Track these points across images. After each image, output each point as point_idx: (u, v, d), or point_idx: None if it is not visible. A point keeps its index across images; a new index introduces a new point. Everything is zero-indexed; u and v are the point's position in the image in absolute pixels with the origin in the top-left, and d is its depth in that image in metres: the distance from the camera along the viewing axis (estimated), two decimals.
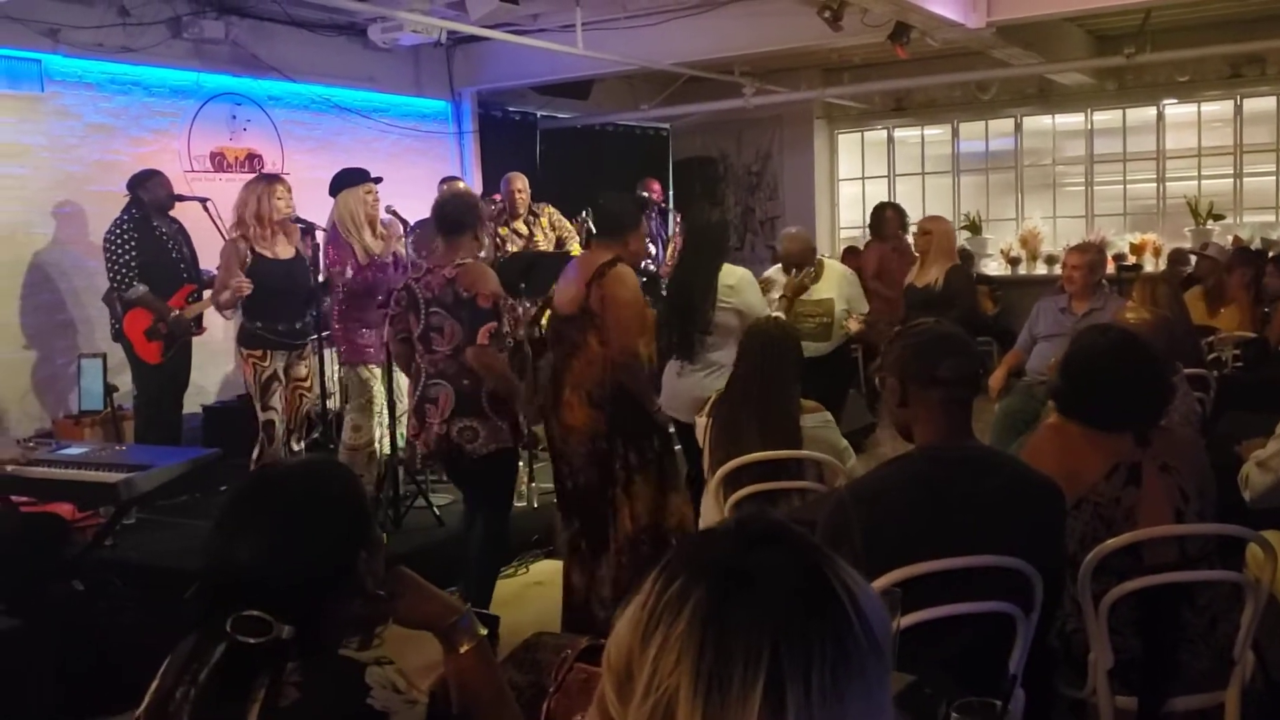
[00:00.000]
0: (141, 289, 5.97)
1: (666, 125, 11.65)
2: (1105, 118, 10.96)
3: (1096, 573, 2.56)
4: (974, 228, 11.33)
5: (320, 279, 5.77)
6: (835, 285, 6.09)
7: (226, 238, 5.82)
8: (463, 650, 1.68)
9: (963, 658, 2.40)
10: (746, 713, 0.95)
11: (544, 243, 7.48)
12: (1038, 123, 11.32)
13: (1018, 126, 11.34)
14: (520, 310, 6.54)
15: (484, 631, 1.70)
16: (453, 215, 4.50)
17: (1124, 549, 2.56)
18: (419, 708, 1.53)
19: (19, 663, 2.81)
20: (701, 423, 4.08)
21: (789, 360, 3.97)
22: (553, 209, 7.69)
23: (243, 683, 1.50)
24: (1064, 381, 2.85)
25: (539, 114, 10.44)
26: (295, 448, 5.88)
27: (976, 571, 2.35)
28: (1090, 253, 5.99)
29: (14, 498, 4.70)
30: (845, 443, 4.01)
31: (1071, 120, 11.15)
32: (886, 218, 8.34)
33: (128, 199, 6.20)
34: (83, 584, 4.68)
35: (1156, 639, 2.60)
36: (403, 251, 6.02)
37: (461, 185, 7.23)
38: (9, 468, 4.40)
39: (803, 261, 6.08)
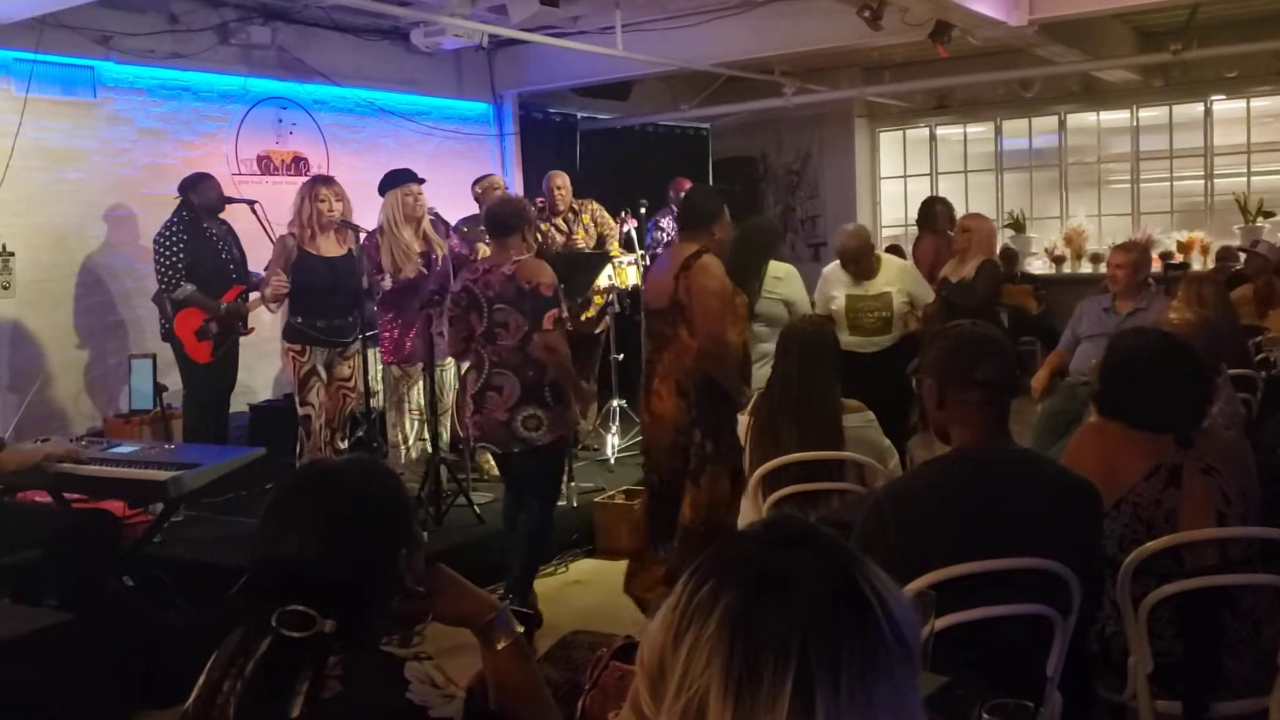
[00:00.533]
0: (189, 288, 6.08)
1: (706, 125, 11.66)
2: (1151, 114, 10.84)
3: (1136, 575, 2.55)
4: (1018, 226, 11.25)
5: (366, 281, 5.85)
6: (894, 278, 6.05)
7: (274, 238, 5.93)
8: (499, 647, 1.71)
9: (1000, 660, 2.40)
10: (775, 713, 0.97)
11: (584, 240, 7.50)
12: (1082, 119, 11.21)
13: (1062, 124, 11.24)
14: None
15: (520, 629, 1.74)
16: (502, 218, 4.70)
17: (1164, 551, 2.55)
18: (456, 702, 1.56)
19: (72, 656, 2.89)
20: (743, 421, 4.10)
21: (827, 358, 3.98)
22: (596, 205, 7.70)
23: (287, 676, 1.54)
24: (1104, 382, 2.85)
25: (579, 115, 10.49)
26: (340, 446, 5.95)
27: (1013, 574, 2.35)
28: (1134, 251, 5.92)
29: (67, 494, 4.82)
30: (888, 442, 4.00)
31: (1117, 117, 11.03)
32: (936, 212, 8.29)
33: (179, 202, 6.33)
34: (133, 579, 4.79)
35: (1197, 643, 2.59)
36: (440, 253, 6.09)
37: (498, 180, 7.27)
38: (62, 465, 4.51)
39: (860, 257, 6.02)
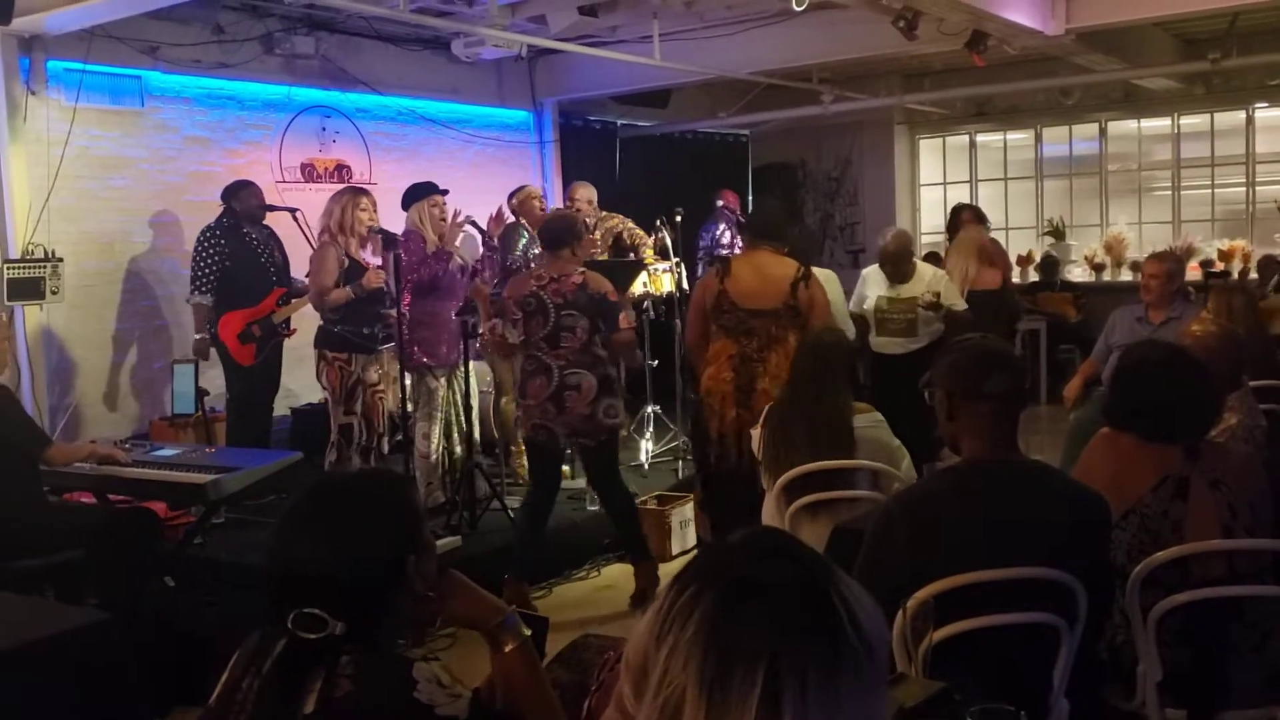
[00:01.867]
0: (199, 299, 6.22)
1: (745, 132, 11.70)
2: (1193, 121, 10.75)
3: (1145, 585, 2.58)
4: (1057, 233, 11.19)
5: (394, 285, 5.91)
6: (924, 284, 6.18)
7: (314, 246, 6.03)
8: (507, 649, 1.78)
9: (1009, 669, 2.44)
10: (745, 712, 1.03)
11: (599, 250, 7.48)
12: (1123, 127, 11.13)
13: (1102, 131, 11.17)
14: None
15: (528, 632, 1.80)
16: (554, 231, 5.19)
17: (1172, 562, 2.58)
18: (461, 701, 1.63)
19: (112, 654, 2.99)
20: (756, 434, 4.15)
21: (840, 366, 4.05)
22: (620, 218, 7.70)
23: (301, 675, 1.62)
24: (1112, 393, 2.88)
25: (618, 122, 10.57)
26: (385, 450, 6.01)
27: (1021, 583, 2.39)
28: (1168, 261, 5.91)
29: (110, 495, 4.95)
30: (897, 442, 4.04)
31: (1158, 124, 10.95)
32: (963, 220, 8.31)
33: (222, 208, 6.48)
34: (173, 579, 4.91)
35: (1205, 653, 2.61)
36: (466, 259, 6.17)
37: (535, 190, 7.33)
38: (105, 467, 4.64)
39: (898, 260, 6.20)
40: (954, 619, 2.32)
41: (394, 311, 5.75)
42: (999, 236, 9.40)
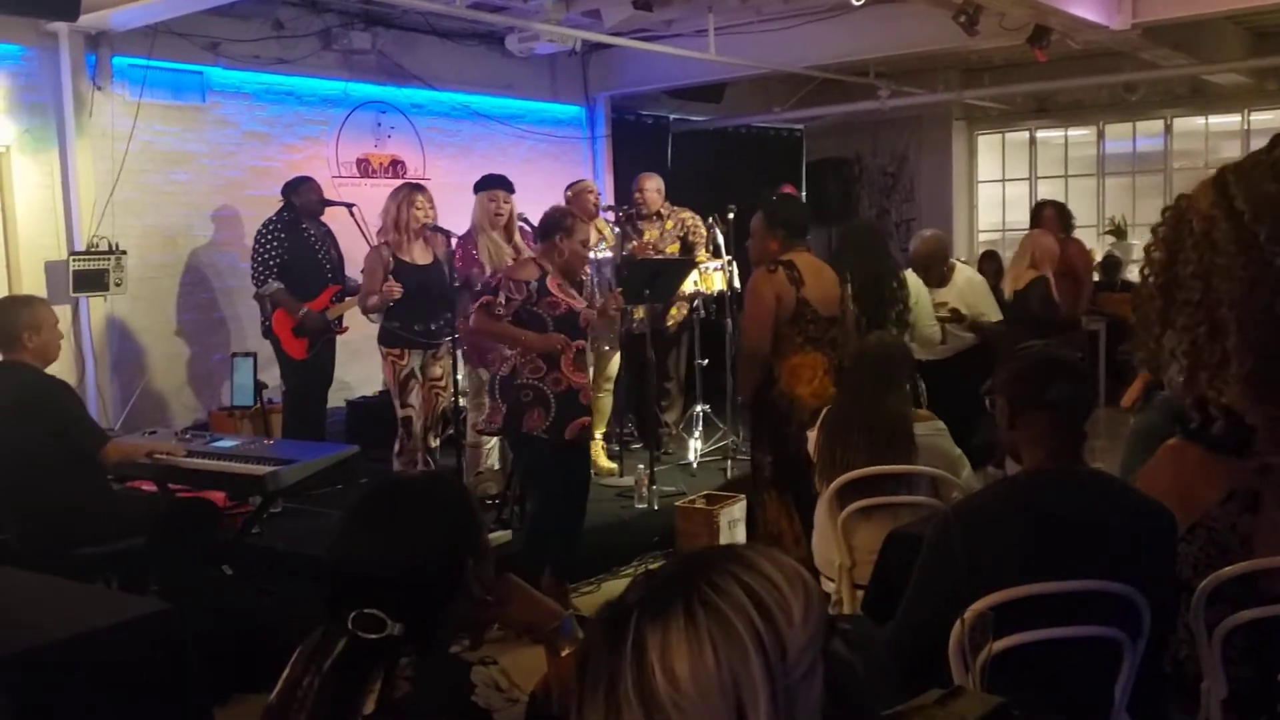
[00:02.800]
0: (275, 285, 6.30)
1: (800, 126, 11.62)
2: (1265, 118, 10.49)
3: (1210, 600, 2.52)
4: (1119, 232, 10.99)
5: (455, 283, 5.97)
6: (958, 291, 6.04)
7: (371, 243, 6.10)
8: (564, 654, 1.78)
9: (1069, 683, 2.40)
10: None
11: (663, 243, 7.43)
12: (1189, 123, 10.91)
13: (1168, 128, 10.95)
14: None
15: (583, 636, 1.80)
16: (543, 222, 4.99)
17: (1239, 577, 2.52)
18: (519, 706, 1.64)
19: (175, 644, 3.03)
20: (811, 437, 4.11)
21: (902, 370, 3.98)
22: (690, 214, 7.50)
23: (361, 675, 1.63)
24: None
25: (671, 117, 10.54)
26: (433, 443, 6.09)
27: (1082, 595, 2.35)
28: None
29: (171, 485, 5.03)
30: (958, 451, 3.99)
31: (1227, 121, 10.71)
32: (1045, 216, 8.14)
33: (282, 203, 6.55)
34: (231, 568, 4.99)
35: (1271, 671, 2.55)
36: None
37: (589, 185, 7.32)
38: (168, 457, 4.71)
39: (929, 264, 6.03)
40: (1013, 632, 2.28)
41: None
42: None
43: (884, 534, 3.58)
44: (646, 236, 7.37)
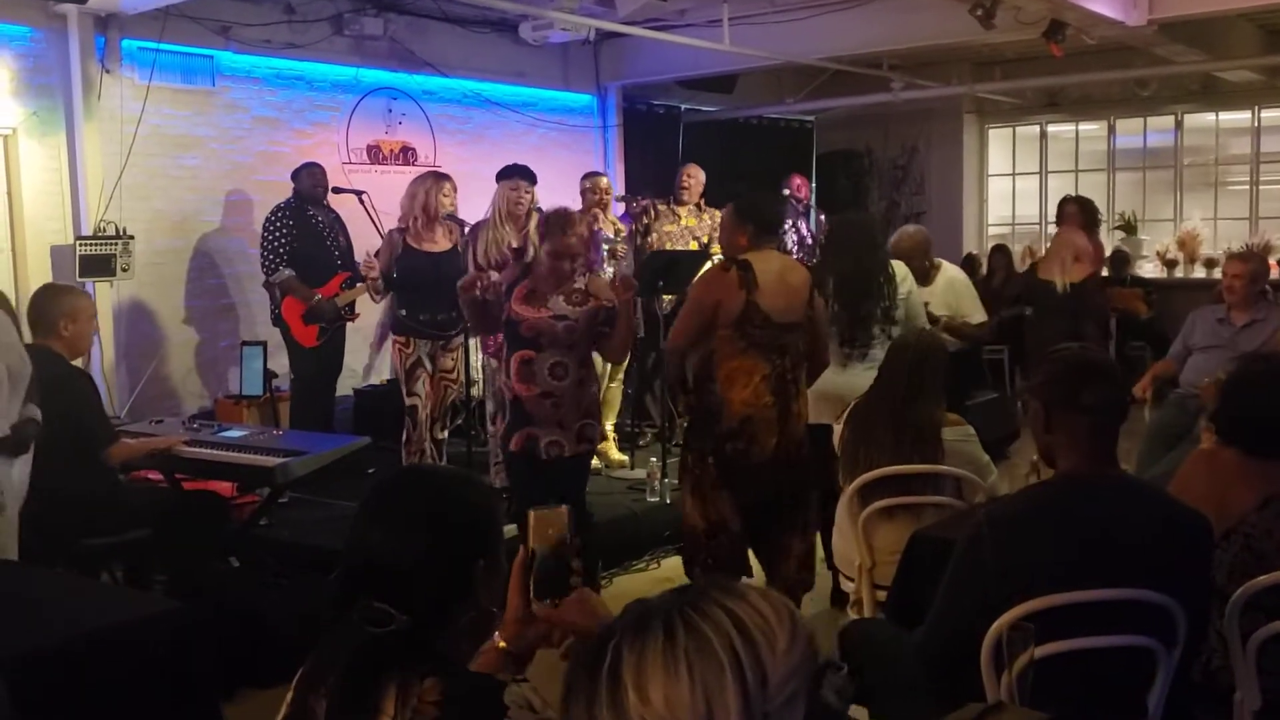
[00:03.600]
0: (287, 273, 6.25)
1: (811, 117, 11.55)
2: (1275, 115, 10.43)
3: (1245, 609, 2.48)
4: (1129, 228, 10.93)
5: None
6: (940, 291, 5.90)
7: (381, 229, 6.06)
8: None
9: (1101, 692, 2.36)
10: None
11: (699, 232, 7.39)
12: (1200, 119, 10.84)
13: (1178, 123, 10.88)
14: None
15: None
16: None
17: (1275, 586, 2.48)
18: None
19: (185, 642, 3.00)
20: (838, 430, 4.06)
21: (937, 371, 3.89)
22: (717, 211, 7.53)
23: (372, 692, 1.58)
24: (1223, 406, 2.77)
25: (682, 107, 10.47)
26: (440, 436, 6.05)
27: (1118, 605, 2.31)
28: (1253, 261, 5.73)
29: (178, 475, 4.98)
30: (987, 458, 3.93)
31: (1237, 117, 10.65)
32: (1068, 213, 8.03)
33: (292, 189, 6.51)
34: (238, 561, 4.95)
35: None
36: (532, 251, 6.13)
37: (603, 181, 7.26)
38: (174, 447, 4.66)
39: (911, 261, 5.83)
40: (1045, 640, 2.24)
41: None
42: None
43: (906, 534, 3.54)
44: (685, 222, 7.33)
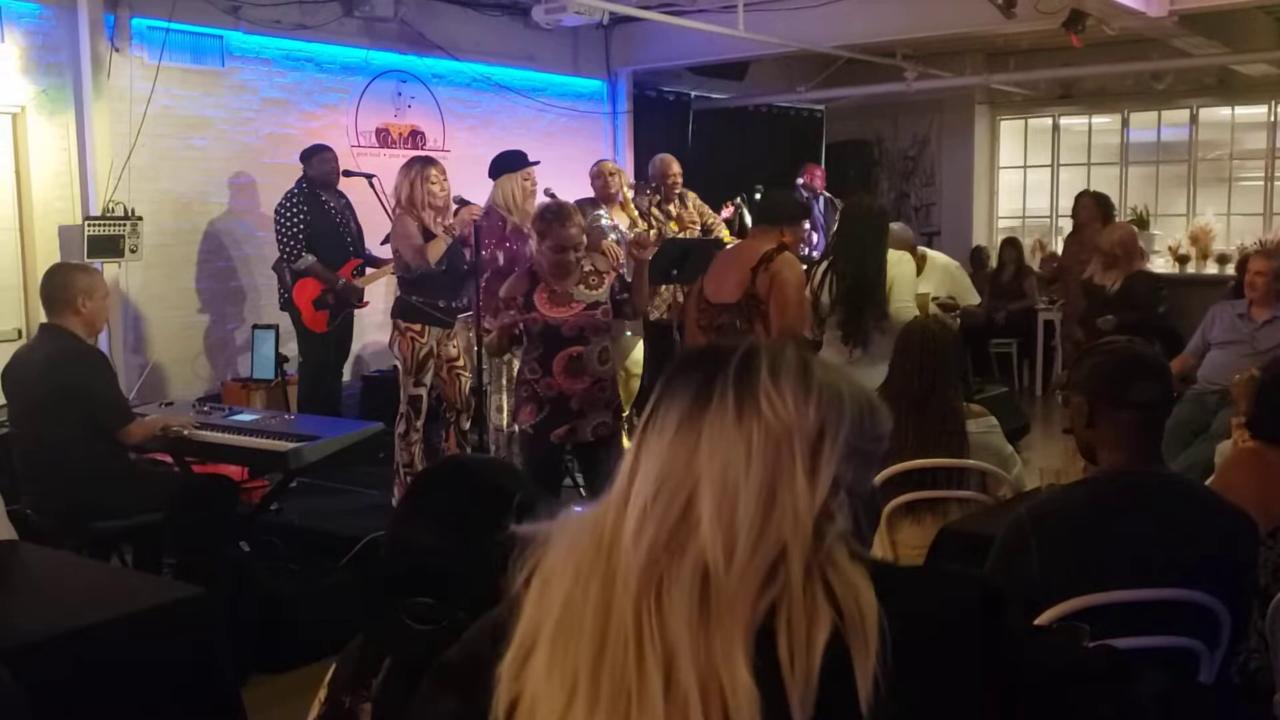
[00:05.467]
0: (310, 259, 6.19)
1: (821, 106, 11.48)
2: None
3: None
4: (1141, 222, 10.84)
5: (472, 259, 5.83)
6: (934, 278, 5.84)
7: (390, 213, 5.95)
8: None
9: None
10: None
11: (692, 222, 7.38)
12: (1215, 114, 10.76)
13: (1193, 117, 10.81)
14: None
15: None
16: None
17: None
18: None
19: (192, 619, 2.95)
20: None
21: (950, 360, 3.84)
22: (693, 195, 7.54)
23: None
24: (1259, 404, 2.71)
25: (693, 94, 10.39)
26: (464, 426, 5.95)
27: (1161, 604, 2.25)
28: (1276, 259, 5.69)
29: (188, 458, 4.93)
30: (1010, 449, 3.87)
31: (1253, 112, 10.57)
32: (1083, 206, 7.94)
33: (301, 172, 6.43)
34: (249, 545, 4.90)
35: None
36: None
37: (610, 166, 7.19)
38: (185, 432, 4.61)
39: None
40: (1091, 639, 2.19)
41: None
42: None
43: (929, 530, 3.49)
44: (683, 215, 7.35)
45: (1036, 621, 2.19)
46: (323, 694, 1.63)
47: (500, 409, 6.05)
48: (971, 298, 5.90)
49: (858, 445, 1.11)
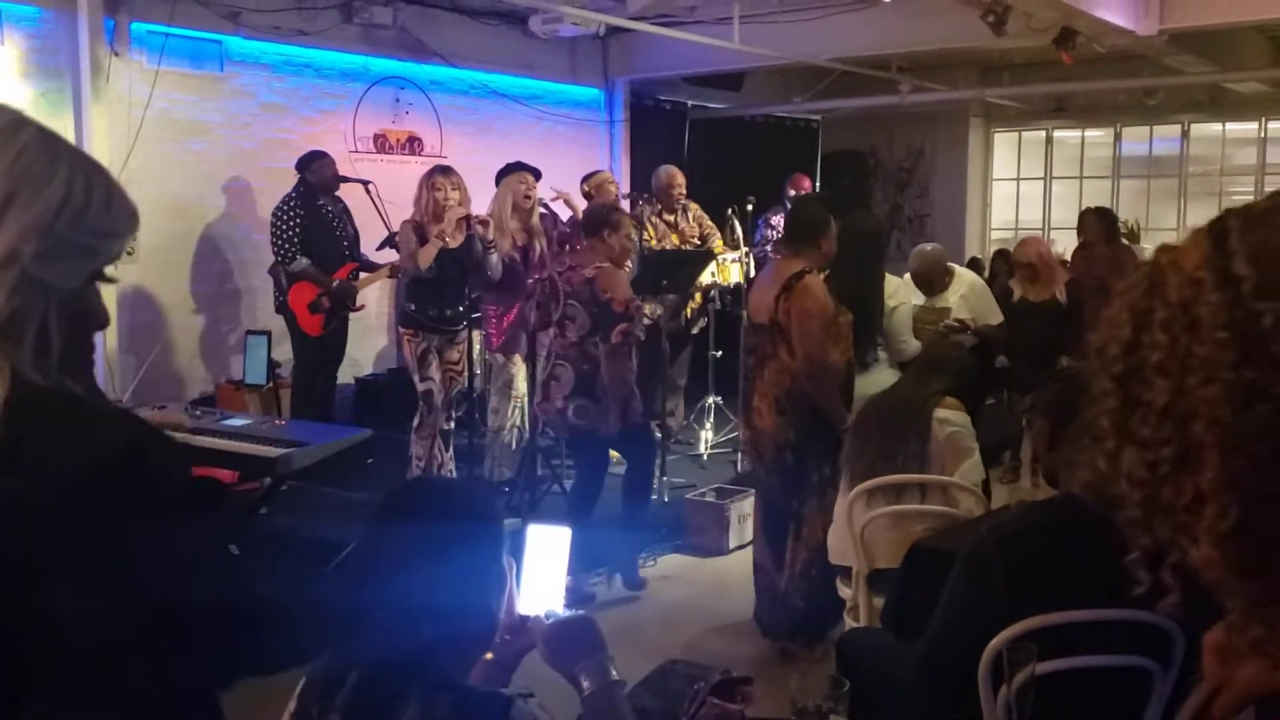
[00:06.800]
0: (304, 262, 6.26)
1: (817, 117, 11.56)
2: None
3: None
4: (1132, 236, 10.92)
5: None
6: (961, 298, 5.89)
7: (386, 219, 6.06)
8: (585, 693, 1.74)
9: (1098, 714, 2.37)
10: None
11: (692, 235, 7.47)
12: (1206, 129, 10.85)
13: (1185, 133, 10.89)
14: (649, 309, 6.68)
15: (615, 676, 1.75)
16: (587, 219, 5.20)
17: None
18: None
19: (180, 624, 2.99)
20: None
21: (934, 375, 3.95)
22: (695, 205, 7.67)
23: (391, 710, 1.58)
24: None
25: (689, 104, 10.47)
26: (446, 426, 6.05)
27: (1119, 624, 2.32)
28: None
29: None
30: (976, 451, 3.89)
31: (1244, 128, 10.66)
32: (1086, 223, 7.98)
33: (298, 178, 6.50)
34: (237, 548, 4.95)
35: None
36: (540, 248, 6.15)
37: (607, 176, 7.27)
38: (177, 434, 4.67)
39: (932, 279, 5.84)
40: (1047, 657, 2.25)
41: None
42: (1066, 236, 9.08)
43: (898, 532, 3.57)
44: (684, 227, 7.45)
45: (994, 640, 2.26)
46: (293, 705, 1.69)
47: (496, 411, 6.14)
48: (993, 318, 5.86)
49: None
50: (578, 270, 4.94)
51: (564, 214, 6.77)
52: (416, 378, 5.91)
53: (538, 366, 6.25)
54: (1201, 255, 0.82)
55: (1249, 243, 0.77)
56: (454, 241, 5.83)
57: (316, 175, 6.48)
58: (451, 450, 6.07)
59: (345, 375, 7.07)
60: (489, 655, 1.79)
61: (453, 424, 6.15)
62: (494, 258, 5.85)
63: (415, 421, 5.92)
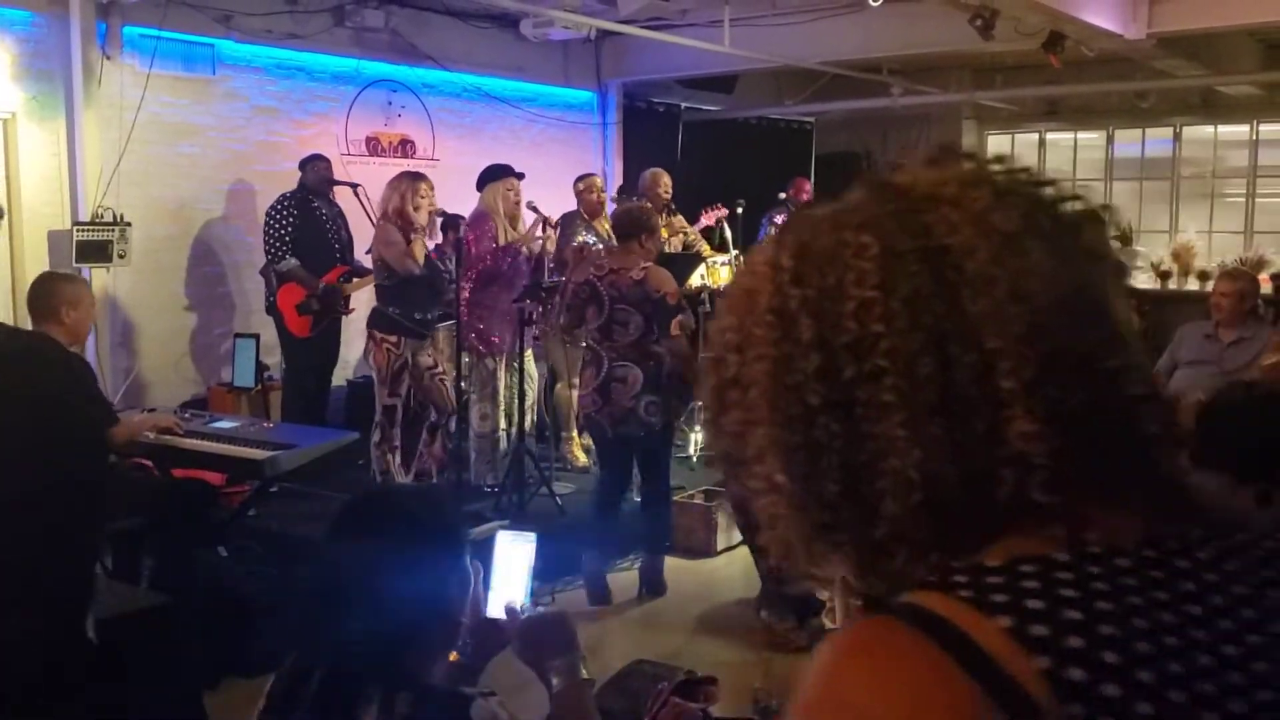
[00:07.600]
0: (293, 262, 6.29)
1: (810, 119, 11.58)
2: (1274, 129, 10.46)
3: None
4: (1124, 238, 10.93)
5: (454, 266, 5.92)
6: None
7: (375, 222, 6.06)
8: (556, 689, 1.76)
9: None
10: None
11: (675, 240, 7.51)
12: (1198, 131, 10.87)
13: (1177, 135, 10.92)
14: None
15: (585, 675, 1.79)
16: (623, 224, 5.36)
17: None
18: None
19: (168, 623, 3.04)
20: None
21: None
22: (680, 217, 7.73)
23: (353, 711, 1.61)
24: (1198, 432, 2.80)
25: (682, 106, 10.49)
26: (450, 429, 6.05)
27: None
28: (1241, 280, 5.78)
29: (167, 463, 5.01)
30: None
31: (1235, 131, 10.68)
32: None
33: (298, 179, 6.54)
34: (226, 550, 4.99)
35: None
36: (533, 249, 6.17)
37: (597, 181, 7.29)
38: (165, 437, 4.70)
39: None
40: None
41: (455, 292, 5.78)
42: None
43: None
44: (676, 224, 7.50)
45: None
46: (262, 703, 1.72)
47: (485, 416, 6.15)
48: None
49: None
50: (622, 274, 5.04)
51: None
52: (385, 391, 5.82)
53: (530, 366, 6.31)
54: (769, 251, 0.94)
55: (795, 239, 0.89)
56: (430, 241, 5.87)
57: (311, 176, 6.52)
58: (413, 474, 6.04)
59: (336, 378, 7.09)
60: (454, 656, 1.81)
61: (454, 425, 6.11)
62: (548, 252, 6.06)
63: (376, 436, 5.84)
